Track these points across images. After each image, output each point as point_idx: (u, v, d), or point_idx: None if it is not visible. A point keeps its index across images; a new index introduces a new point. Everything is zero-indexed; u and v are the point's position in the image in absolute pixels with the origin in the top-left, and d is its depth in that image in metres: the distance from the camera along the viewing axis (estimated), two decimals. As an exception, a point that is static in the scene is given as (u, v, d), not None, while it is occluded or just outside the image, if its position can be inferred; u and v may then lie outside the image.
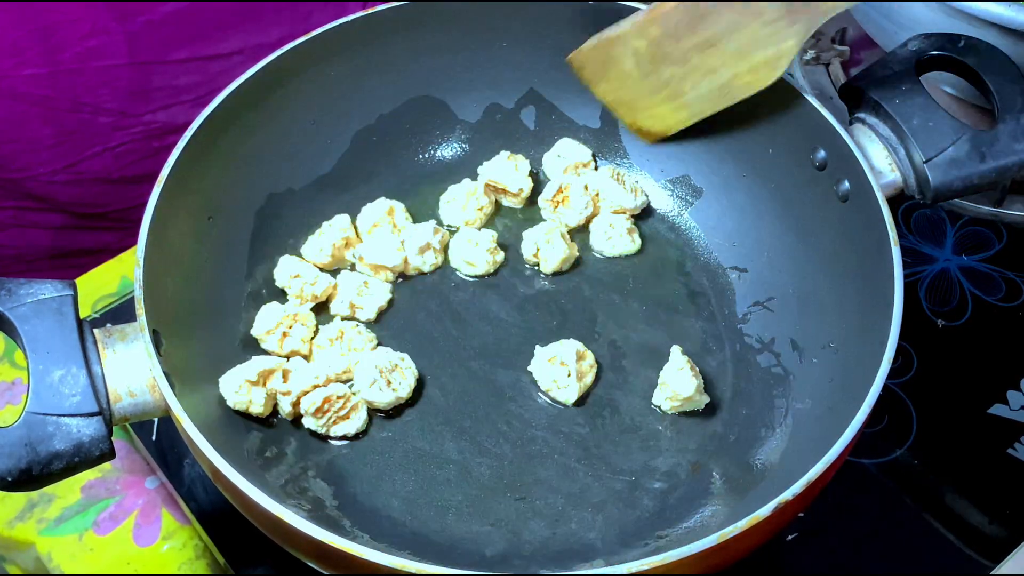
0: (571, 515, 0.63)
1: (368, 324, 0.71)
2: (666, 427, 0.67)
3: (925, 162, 0.65)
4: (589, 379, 0.68)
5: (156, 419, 0.70)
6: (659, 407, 0.67)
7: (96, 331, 0.57)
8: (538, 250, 0.73)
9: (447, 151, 0.79)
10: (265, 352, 0.67)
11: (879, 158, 0.66)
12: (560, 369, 0.67)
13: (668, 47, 0.67)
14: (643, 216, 0.77)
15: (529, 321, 0.71)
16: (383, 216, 0.73)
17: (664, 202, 0.78)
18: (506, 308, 0.72)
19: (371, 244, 0.72)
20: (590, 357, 0.68)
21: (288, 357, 0.67)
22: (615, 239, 0.74)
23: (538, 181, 0.77)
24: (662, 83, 0.69)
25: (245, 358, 0.66)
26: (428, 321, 0.71)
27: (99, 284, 0.81)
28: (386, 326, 0.71)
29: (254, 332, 0.68)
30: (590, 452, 0.66)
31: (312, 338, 0.69)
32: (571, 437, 0.66)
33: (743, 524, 0.51)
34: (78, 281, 0.71)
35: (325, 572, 0.56)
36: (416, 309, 0.72)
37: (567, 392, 0.67)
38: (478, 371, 0.69)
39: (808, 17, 0.63)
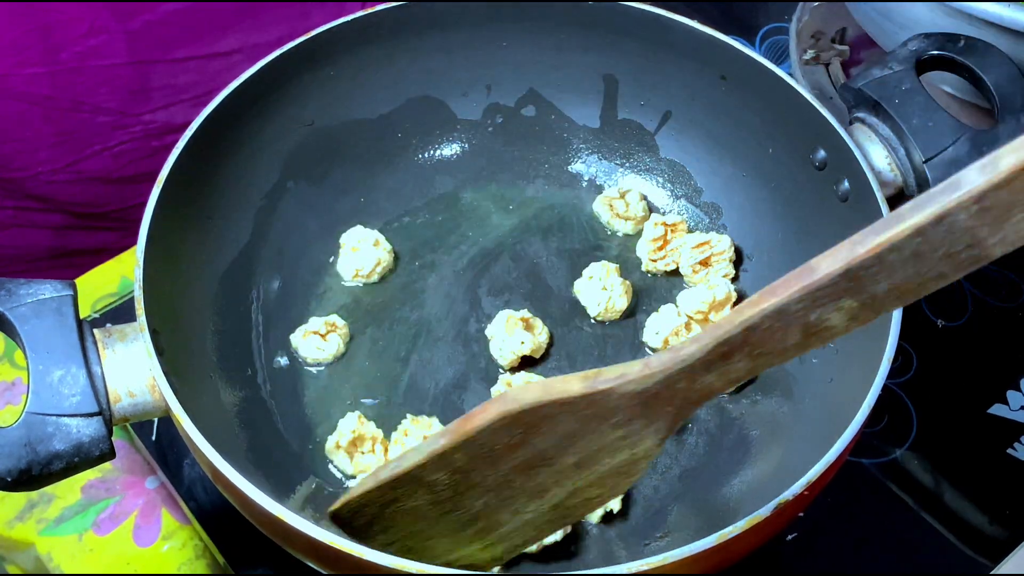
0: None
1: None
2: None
3: (925, 162, 0.65)
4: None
5: (156, 419, 0.70)
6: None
7: (96, 331, 0.57)
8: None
9: (447, 151, 0.79)
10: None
11: (879, 158, 0.66)
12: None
13: (480, 474, 0.47)
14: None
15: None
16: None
17: (664, 202, 0.78)
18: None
19: None
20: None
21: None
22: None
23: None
24: (469, 518, 0.50)
25: (242, 358, 0.65)
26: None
27: (99, 284, 0.81)
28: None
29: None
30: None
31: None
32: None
33: (743, 524, 0.51)
34: (78, 281, 0.71)
35: (325, 572, 0.56)
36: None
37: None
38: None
39: (675, 409, 0.45)
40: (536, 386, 0.44)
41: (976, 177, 0.35)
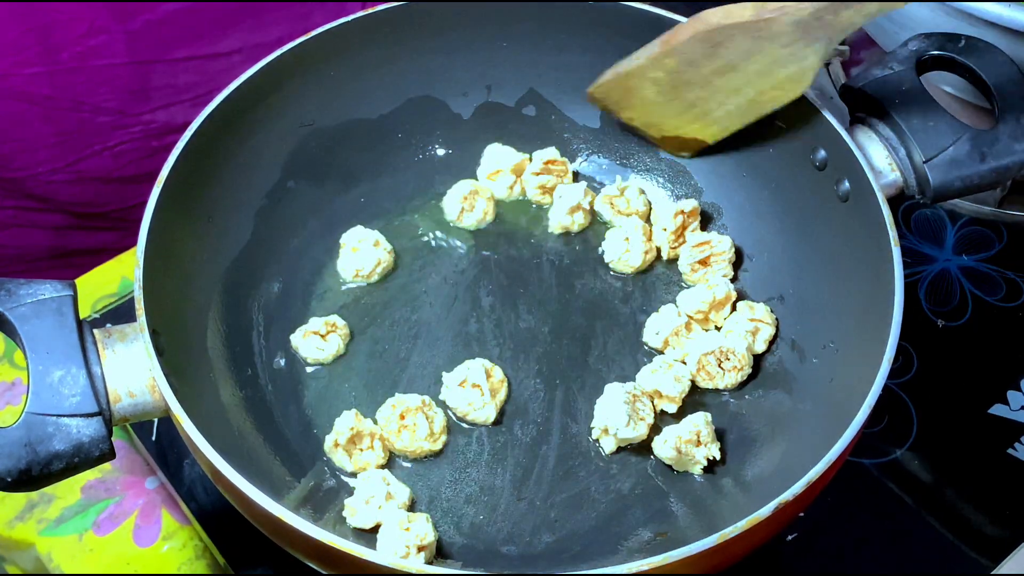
0: (572, 516, 0.63)
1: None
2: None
3: (925, 162, 0.65)
4: (502, 395, 0.67)
5: (156, 419, 0.70)
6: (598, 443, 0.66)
7: (96, 331, 0.57)
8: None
9: (447, 151, 0.79)
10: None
11: (879, 158, 0.66)
12: (472, 391, 0.66)
13: (688, 74, 0.67)
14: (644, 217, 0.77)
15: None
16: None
17: (664, 202, 0.78)
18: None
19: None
20: (498, 372, 0.68)
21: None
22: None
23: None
24: (688, 105, 0.70)
25: (242, 358, 0.65)
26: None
27: (99, 284, 0.81)
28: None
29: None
30: (590, 458, 0.66)
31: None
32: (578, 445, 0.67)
33: (743, 524, 0.51)
34: (78, 281, 0.71)
35: (325, 572, 0.56)
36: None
37: (485, 411, 0.66)
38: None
39: (827, 35, 0.62)
40: (718, 11, 0.64)
41: None
